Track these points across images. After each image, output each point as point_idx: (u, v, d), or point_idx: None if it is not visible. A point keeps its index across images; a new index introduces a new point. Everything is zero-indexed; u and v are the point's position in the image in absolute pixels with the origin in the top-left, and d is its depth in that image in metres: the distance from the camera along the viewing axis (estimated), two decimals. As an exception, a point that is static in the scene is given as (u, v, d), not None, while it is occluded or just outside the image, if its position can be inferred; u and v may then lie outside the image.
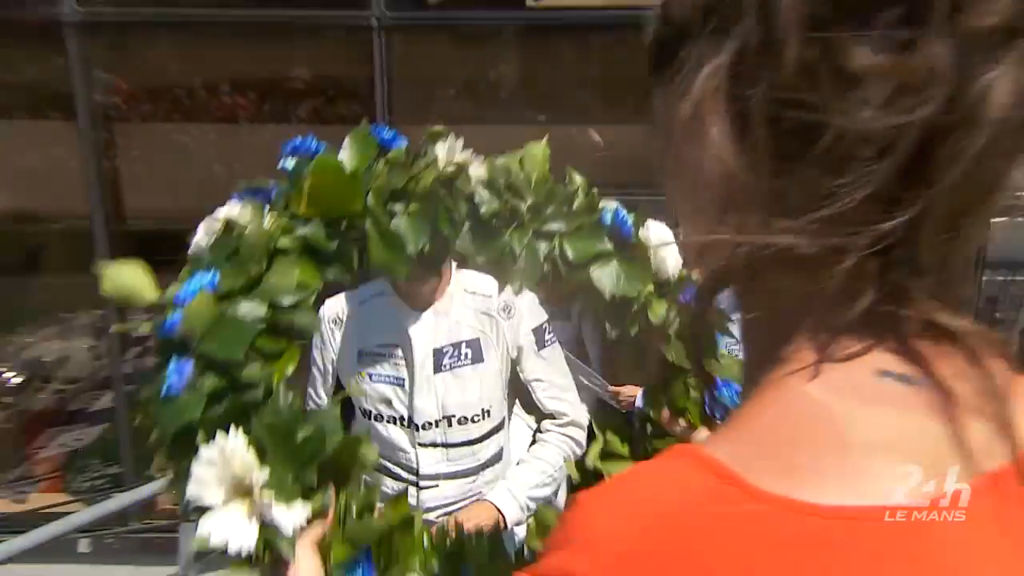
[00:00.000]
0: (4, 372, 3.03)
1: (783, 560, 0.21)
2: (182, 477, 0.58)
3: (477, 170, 0.95)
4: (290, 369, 0.70)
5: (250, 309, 0.65)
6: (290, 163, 0.79)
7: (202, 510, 0.56)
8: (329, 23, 2.61)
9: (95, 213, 2.63)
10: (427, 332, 1.18)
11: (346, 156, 0.82)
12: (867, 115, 0.21)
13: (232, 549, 0.53)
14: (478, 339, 1.20)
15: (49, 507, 2.73)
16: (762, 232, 0.23)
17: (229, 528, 0.54)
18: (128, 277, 0.62)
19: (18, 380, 3.04)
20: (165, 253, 2.91)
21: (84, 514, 2.03)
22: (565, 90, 2.65)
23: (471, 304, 1.20)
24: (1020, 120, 0.21)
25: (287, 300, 0.69)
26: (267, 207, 0.82)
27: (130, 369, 2.82)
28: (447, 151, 0.91)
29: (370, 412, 1.21)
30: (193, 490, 0.56)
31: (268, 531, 0.53)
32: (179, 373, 0.60)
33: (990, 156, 0.21)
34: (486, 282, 1.20)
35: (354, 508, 0.66)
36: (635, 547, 0.22)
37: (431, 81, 2.71)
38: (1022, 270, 2.60)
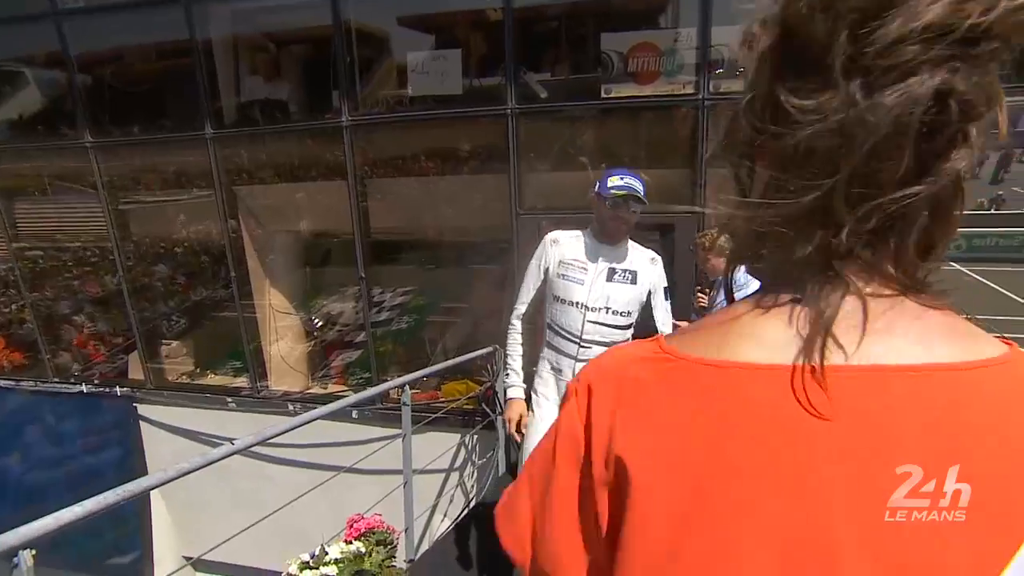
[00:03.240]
0: (314, 319, 5.46)
1: (663, 382, 0.38)
2: None
3: None
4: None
5: None
6: None
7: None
8: (478, 115, 4.23)
9: (356, 231, 4.68)
10: (608, 256, 1.98)
11: None
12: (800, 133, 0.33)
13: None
14: (636, 271, 2.00)
15: (338, 392, 5.03)
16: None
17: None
18: None
19: (320, 324, 5.45)
20: (393, 253, 5.32)
21: (352, 398, 3.01)
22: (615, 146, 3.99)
23: (638, 251, 2.04)
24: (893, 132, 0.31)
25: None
26: None
27: (376, 320, 4.96)
28: None
29: (560, 298, 1.99)
30: None
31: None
32: None
33: (877, 158, 0.31)
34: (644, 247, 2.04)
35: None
36: (599, 374, 0.42)
37: (542, 145, 4.20)
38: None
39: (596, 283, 1.96)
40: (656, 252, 2.08)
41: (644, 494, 0.37)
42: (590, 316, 1.96)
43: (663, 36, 3.70)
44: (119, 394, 5.50)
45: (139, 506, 5.37)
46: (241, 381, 5.45)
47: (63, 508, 1.39)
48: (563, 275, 1.98)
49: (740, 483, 0.35)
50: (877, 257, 0.37)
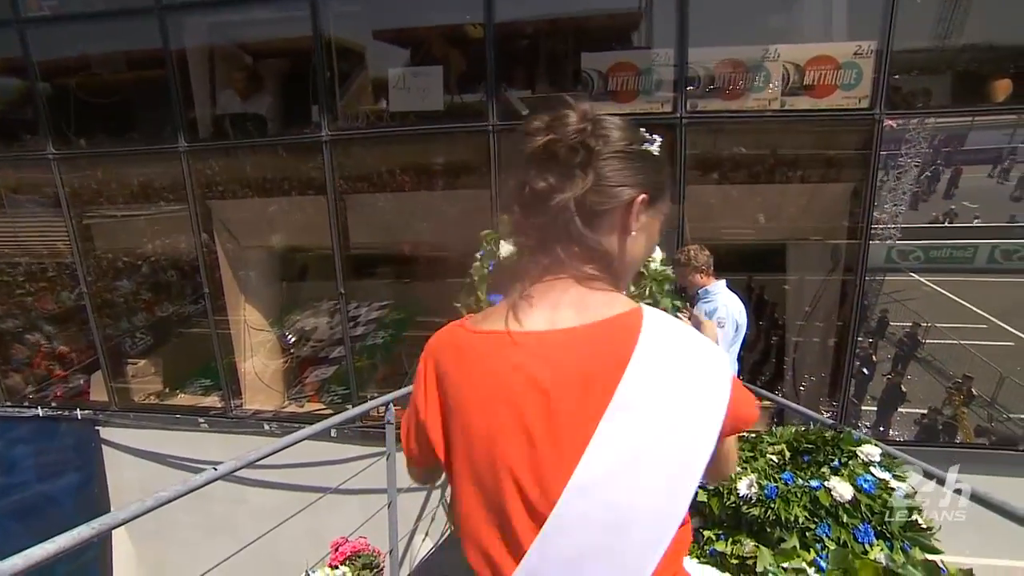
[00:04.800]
0: (287, 335, 5.31)
1: (461, 348, 0.69)
2: None
3: None
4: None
5: None
6: None
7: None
8: (460, 131, 4.24)
9: (335, 245, 4.61)
10: None
11: None
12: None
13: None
14: None
15: (315, 410, 4.89)
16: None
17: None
18: None
19: (293, 340, 5.31)
20: (370, 267, 5.25)
21: (338, 417, 2.98)
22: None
23: None
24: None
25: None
26: None
27: (351, 335, 4.86)
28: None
29: None
30: None
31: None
32: None
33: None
34: None
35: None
36: (428, 348, 0.74)
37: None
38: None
39: None
40: None
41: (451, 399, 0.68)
42: None
43: (641, 56, 3.81)
44: (80, 417, 5.22)
45: (99, 535, 5.06)
46: (211, 400, 5.25)
47: (12, 541, 1.29)
48: None
49: (474, 389, 0.66)
50: (557, 264, 0.68)
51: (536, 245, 0.68)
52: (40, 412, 5.30)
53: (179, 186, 4.71)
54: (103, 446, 5.30)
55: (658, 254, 1.31)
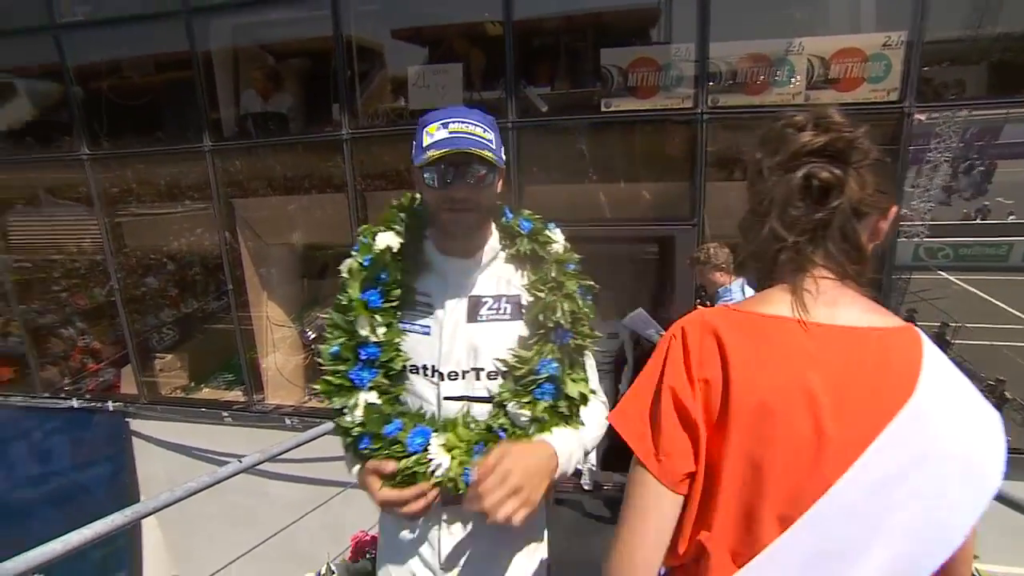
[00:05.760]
0: (307, 331, 5.41)
1: (749, 329, 0.67)
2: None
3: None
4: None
5: None
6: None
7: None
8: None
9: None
10: (463, 275, 1.12)
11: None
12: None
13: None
14: (518, 294, 1.11)
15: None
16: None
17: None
18: None
19: (312, 336, 5.40)
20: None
21: None
22: (614, 160, 4.02)
23: (513, 254, 1.13)
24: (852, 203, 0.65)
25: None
26: None
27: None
28: None
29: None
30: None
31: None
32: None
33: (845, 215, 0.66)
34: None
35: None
36: (702, 326, 0.69)
37: (538, 158, 4.23)
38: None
39: (450, 329, 1.09)
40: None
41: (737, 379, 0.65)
42: (448, 389, 1.09)
43: (661, 51, 3.76)
44: (111, 409, 5.40)
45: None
46: (234, 394, 5.37)
47: (49, 526, 1.36)
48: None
49: (765, 369, 0.64)
50: (827, 261, 0.70)
51: (807, 240, 0.68)
52: (75, 403, 5.49)
53: (203, 185, 4.83)
54: (133, 437, 5.47)
55: (559, 235, 1.15)
